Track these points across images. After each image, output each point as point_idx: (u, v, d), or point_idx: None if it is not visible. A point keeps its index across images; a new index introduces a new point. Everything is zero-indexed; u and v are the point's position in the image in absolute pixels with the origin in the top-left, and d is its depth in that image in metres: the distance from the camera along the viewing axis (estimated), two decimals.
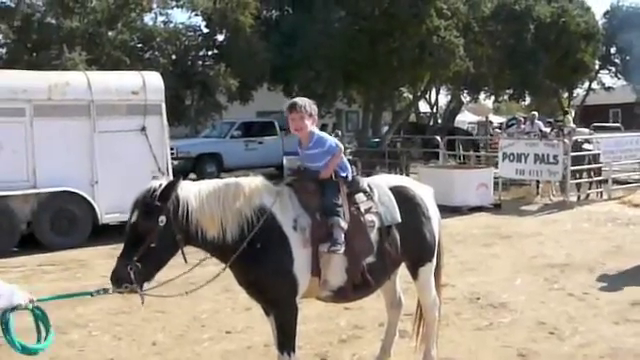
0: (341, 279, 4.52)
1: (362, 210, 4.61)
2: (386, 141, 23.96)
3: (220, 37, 22.87)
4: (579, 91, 42.94)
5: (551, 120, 28.53)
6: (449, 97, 38.04)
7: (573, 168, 15.29)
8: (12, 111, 10.84)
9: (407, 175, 17.05)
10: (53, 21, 19.45)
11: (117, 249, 4.18)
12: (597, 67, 39.71)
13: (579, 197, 16.03)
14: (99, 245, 10.61)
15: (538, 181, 16.33)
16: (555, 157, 14.92)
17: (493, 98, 37.86)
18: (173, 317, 7.09)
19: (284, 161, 18.28)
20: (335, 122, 28.67)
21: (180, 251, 4.20)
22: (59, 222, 11.08)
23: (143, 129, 11.75)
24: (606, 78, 43.18)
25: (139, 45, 20.99)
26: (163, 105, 12.14)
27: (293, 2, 23.74)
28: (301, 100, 4.63)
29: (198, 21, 22.81)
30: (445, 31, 22.45)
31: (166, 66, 19.42)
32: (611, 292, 7.73)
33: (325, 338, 6.25)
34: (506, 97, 37.87)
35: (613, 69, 41.52)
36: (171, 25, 21.68)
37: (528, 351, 5.85)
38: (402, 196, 4.89)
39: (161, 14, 21.74)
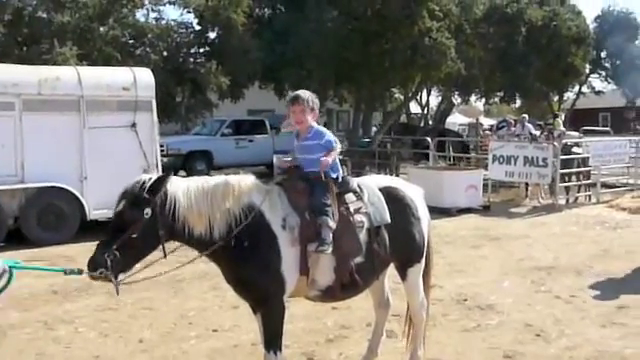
0: (329, 279, 4.52)
1: (351, 210, 4.61)
2: (376, 141, 23.97)
3: (212, 34, 22.80)
4: (569, 94, 43.24)
5: (541, 123, 28.61)
6: (440, 98, 38.13)
7: (562, 171, 15.35)
8: (1, 105, 10.76)
9: (397, 176, 17.07)
10: (44, 15, 19.30)
11: None
12: (587, 71, 39.97)
13: (568, 200, 16.09)
14: (87, 241, 10.45)
15: (527, 184, 16.40)
16: (544, 160, 14.98)
17: (484, 100, 38.01)
18: (160, 314, 7.08)
19: (274, 159, 18.24)
20: (326, 121, 28.68)
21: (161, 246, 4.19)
22: (46, 217, 11.01)
23: (133, 125, 11.71)
24: (596, 82, 43.57)
25: (130, 41, 20.87)
26: (154, 102, 12.11)
27: (286, 1, 23.71)
28: (304, 93, 4.65)
29: (190, 18, 22.73)
30: (437, 32, 22.47)
31: (157, 62, 19.34)
32: (598, 295, 7.76)
33: (312, 337, 6.25)
34: (497, 99, 38.05)
35: (603, 73, 41.86)
36: (163, 22, 21.56)
37: (514, 353, 5.87)
38: (392, 197, 4.89)
39: (153, 10, 21.63)
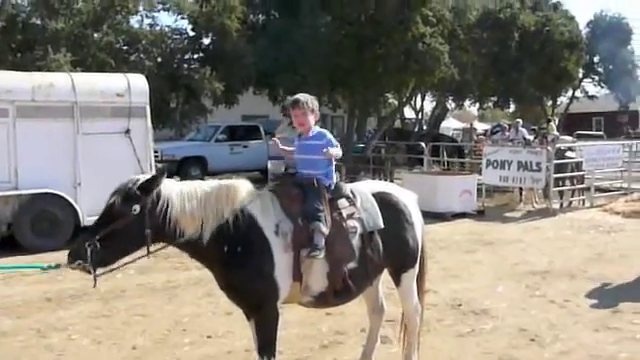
0: (322, 285, 4.51)
1: (344, 216, 4.62)
2: (370, 147, 23.99)
3: (206, 40, 22.84)
4: (563, 99, 43.35)
5: (535, 128, 28.75)
6: (434, 103, 38.18)
7: (556, 175, 15.38)
8: None
9: (391, 181, 17.08)
10: (38, 22, 19.28)
11: None
12: (580, 76, 40.13)
13: (562, 204, 16.13)
14: None
15: (521, 188, 16.42)
16: (538, 164, 15.03)
17: (478, 105, 38.06)
18: (154, 321, 7.05)
19: (269, 165, 18.22)
20: (320, 127, 28.61)
21: (147, 247, 4.21)
22: (40, 224, 10.95)
23: (127, 131, 11.68)
24: (589, 87, 43.77)
25: (124, 47, 20.88)
26: (148, 108, 12.08)
27: (279, 7, 23.72)
28: (303, 96, 4.76)
29: (184, 24, 22.74)
30: (431, 38, 22.51)
31: (151, 69, 19.34)
32: (592, 299, 7.78)
33: (306, 343, 6.24)
34: (491, 104, 38.18)
35: (596, 78, 42.00)
36: (157, 28, 21.58)
37: (509, 358, 5.88)
38: (385, 202, 4.89)
39: (147, 17, 21.63)
